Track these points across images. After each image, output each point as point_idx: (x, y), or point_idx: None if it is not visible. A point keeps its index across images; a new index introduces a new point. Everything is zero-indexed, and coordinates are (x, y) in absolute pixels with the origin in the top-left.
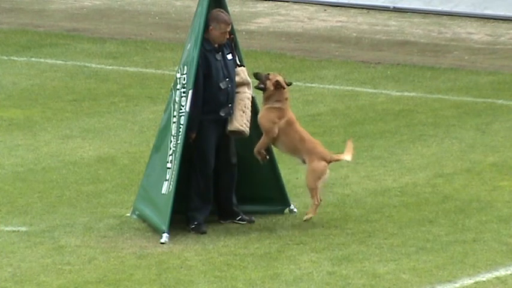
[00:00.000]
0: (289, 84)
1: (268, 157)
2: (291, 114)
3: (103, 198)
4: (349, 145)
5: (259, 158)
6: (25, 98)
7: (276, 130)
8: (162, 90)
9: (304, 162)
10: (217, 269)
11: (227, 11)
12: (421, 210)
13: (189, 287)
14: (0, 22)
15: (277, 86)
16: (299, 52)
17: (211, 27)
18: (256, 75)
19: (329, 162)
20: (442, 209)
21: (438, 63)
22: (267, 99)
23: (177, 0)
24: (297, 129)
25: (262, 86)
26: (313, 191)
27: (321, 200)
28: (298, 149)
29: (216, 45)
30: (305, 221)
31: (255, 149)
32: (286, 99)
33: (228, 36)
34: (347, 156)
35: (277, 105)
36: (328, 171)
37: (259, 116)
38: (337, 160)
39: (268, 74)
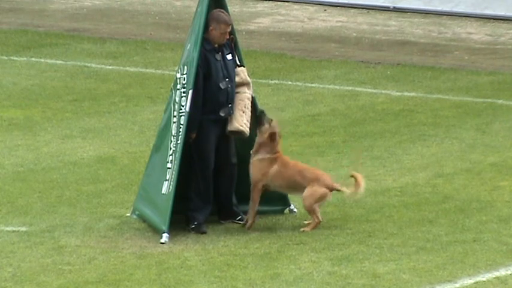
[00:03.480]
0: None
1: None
2: (281, 157)
3: (103, 198)
4: (358, 179)
5: (251, 215)
6: (25, 98)
7: (264, 181)
8: (162, 90)
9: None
10: (218, 269)
11: (227, 11)
12: (421, 210)
13: (189, 287)
14: (1, 22)
15: (271, 138)
16: (299, 52)
17: (211, 28)
18: (260, 112)
19: (331, 190)
20: (442, 209)
21: (438, 63)
22: (258, 148)
23: (177, 0)
24: (292, 164)
25: (261, 126)
26: (311, 212)
27: (321, 219)
28: (299, 183)
29: (216, 46)
30: (301, 231)
31: (251, 218)
32: (276, 152)
33: (227, 37)
34: (351, 190)
35: (267, 156)
36: (329, 198)
37: (250, 168)
38: (338, 190)
39: (271, 120)
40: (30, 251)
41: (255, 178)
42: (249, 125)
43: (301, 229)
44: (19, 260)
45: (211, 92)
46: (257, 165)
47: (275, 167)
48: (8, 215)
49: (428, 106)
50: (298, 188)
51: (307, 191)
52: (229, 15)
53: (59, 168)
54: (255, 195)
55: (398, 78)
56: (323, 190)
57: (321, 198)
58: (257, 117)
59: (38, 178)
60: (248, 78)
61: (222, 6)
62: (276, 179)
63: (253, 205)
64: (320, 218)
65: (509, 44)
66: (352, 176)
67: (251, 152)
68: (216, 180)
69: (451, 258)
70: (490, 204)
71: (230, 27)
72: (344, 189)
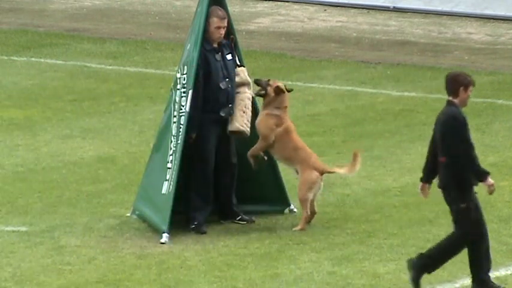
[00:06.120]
0: (289, 91)
1: (265, 158)
2: (289, 122)
3: (103, 198)
4: (355, 159)
5: (251, 161)
6: (25, 98)
7: (273, 137)
8: (162, 90)
9: (297, 172)
10: (218, 269)
11: (227, 11)
12: (421, 210)
13: (189, 287)
14: (1, 22)
15: (278, 91)
16: (299, 52)
17: (207, 23)
18: (256, 82)
19: (322, 173)
20: (442, 209)
21: (438, 63)
22: (266, 105)
23: (177, 0)
24: (293, 138)
25: (263, 92)
26: (303, 202)
27: (315, 213)
28: (291, 158)
29: (216, 45)
30: (293, 230)
31: (249, 153)
32: (286, 107)
33: (222, 33)
34: (344, 170)
35: (276, 112)
36: (321, 182)
37: (257, 121)
38: (331, 172)
39: (269, 80)
40: (30, 251)
41: (264, 133)
42: (249, 125)
43: (293, 228)
44: (19, 260)
45: (211, 92)
46: (265, 120)
47: (280, 130)
48: (8, 215)
49: (428, 106)
50: (289, 162)
51: (299, 181)
52: (225, 11)
53: (59, 168)
54: (262, 146)
55: (398, 78)
56: (314, 175)
57: (314, 184)
58: (255, 83)
59: (38, 178)
60: (248, 78)
61: (222, 5)
62: (276, 142)
63: (256, 151)
64: (309, 212)
65: (509, 44)
66: (354, 154)
67: (260, 111)
68: (217, 180)
69: None
70: (490, 204)
71: (224, 22)
72: (336, 169)
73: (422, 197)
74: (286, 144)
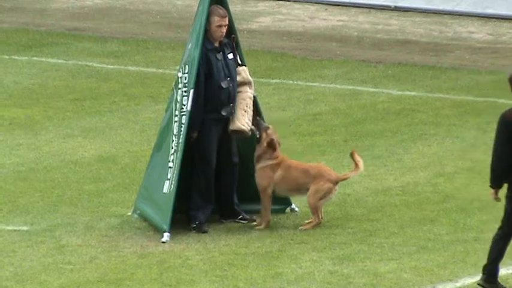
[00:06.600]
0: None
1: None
2: (285, 160)
3: (104, 198)
4: (354, 158)
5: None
6: (26, 97)
7: (272, 186)
8: (164, 90)
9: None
10: (219, 268)
11: (228, 10)
12: (422, 209)
13: (191, 286)
14: (2, 21)
15: (270, 145)
16: (300, 51)
17: (208, 22)
18: (256, 122)
19: (337, 183)
20: (443, 208)
21: (439, 63)
22: (258, 158)
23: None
24: (296, 166)
25: (258, 135)
26: (314, 209)
27: (322, 218)
28: (305, 182)
29: (217, 44)
30: (300, 229)
31: (263, 213)
32: (277, 157)
33: (223, 31)
34: (355, 172)
35: (269, 162)
36: (335, 192)
37: (255, 176)
38: (345, 178)
39: (268, 127)
40: (32, 250)
41: (262, 185)
42: (250, 124)
43: (300, 227)
44: (20, 259)
45: (212, 91)
46: (261, 173)
47: (279, 172)
48: (9, 214)
49: (429, 105)
50: (305, 188)
51: (311, 189)
52: (225, 9)
53: (60, 167)
54: (266, 202)
55: (400, 78)
56: (327, 185)
57: (326, 195)
58: (255, 122)
59: (39, 177)
60: (249, 78)
61: (223, 4)
62: (281, 184)
63: (265, 211)
64: (320, 218)
65: (511, 43)
66: (351, 156)
67: (254, 162)
68: (218, 179)
69: (452, 257)
70: (491, 204)
71: (225, 20)
72: (349, 174)
73: (498, 201)
74: (292, 176)
